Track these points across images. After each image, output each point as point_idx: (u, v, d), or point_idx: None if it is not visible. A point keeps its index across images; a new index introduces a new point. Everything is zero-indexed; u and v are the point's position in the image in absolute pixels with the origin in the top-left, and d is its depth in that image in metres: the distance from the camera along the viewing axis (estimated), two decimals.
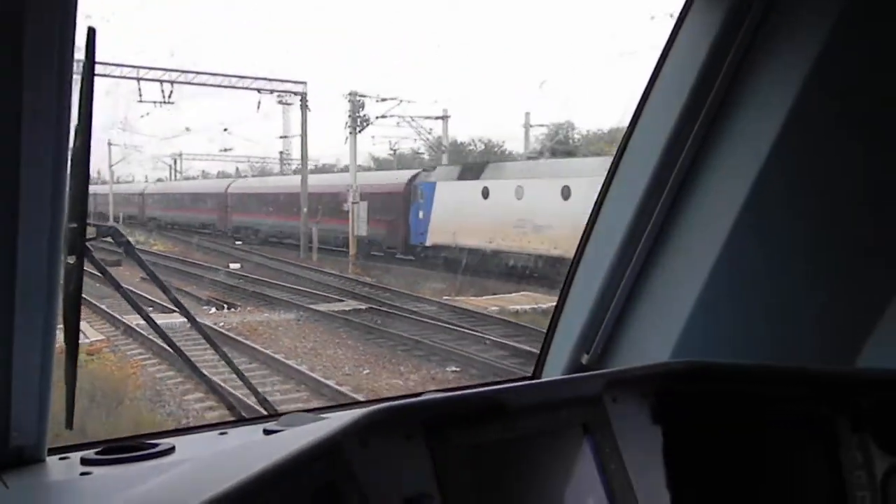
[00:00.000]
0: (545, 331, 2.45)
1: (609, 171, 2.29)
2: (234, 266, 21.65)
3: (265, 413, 2.16)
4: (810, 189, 2.12)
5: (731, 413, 1.96)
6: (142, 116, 22.09)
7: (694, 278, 2.13)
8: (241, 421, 2.05)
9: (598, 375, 1.99)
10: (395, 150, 33.96)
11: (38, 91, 1.34)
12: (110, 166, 35.97)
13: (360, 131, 24.55)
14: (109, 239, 2.00)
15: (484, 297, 17.48)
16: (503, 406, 1.74)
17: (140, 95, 20.00)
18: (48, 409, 1.67)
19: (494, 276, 19.44)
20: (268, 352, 12.17)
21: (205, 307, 15.83)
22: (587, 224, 2.34)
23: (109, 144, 31.34)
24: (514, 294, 17.73)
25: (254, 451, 1.64)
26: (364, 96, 24.03)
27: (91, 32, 1.51)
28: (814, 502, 2.02)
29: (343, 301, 16.48)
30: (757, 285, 2.19)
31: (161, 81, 20.24)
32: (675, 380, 1.95)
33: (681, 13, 2.10)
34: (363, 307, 15.79)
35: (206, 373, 2.40)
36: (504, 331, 13.60)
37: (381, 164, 34.45)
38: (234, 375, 2.37)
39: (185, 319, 2.21)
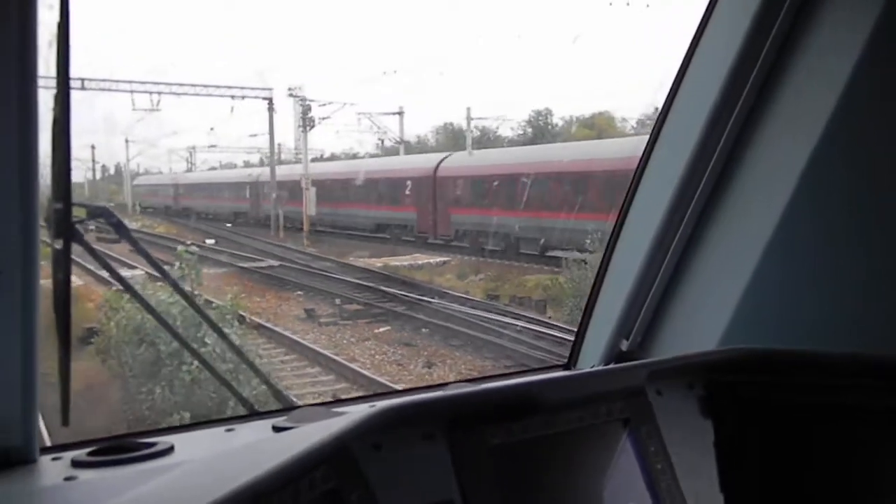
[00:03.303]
0: (580, 316, 2.29)
1: (647, 147, 2.13)
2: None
3: (278, 407, 2.01)
4: (867, 171, 1.94)
5: (793, 406, 1.79)
6: (137, 121, 27.44)
7: (744, 260, 1.95)
8: (251, 416, 1.91)
9: (641, 365, 1.83)
10: (381, 141, 38.33)
11: None
12: (127, 160, 41.25)
13: (310, 129, 30.00)
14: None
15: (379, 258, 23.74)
16: (537, 400, 1.59)
17: (133, 105, 25.22)
18: (34, 405, 1.52)
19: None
20: None
21: None
22: (623, 202, 2.17)
23: (127, 141, 37.88)
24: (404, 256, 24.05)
25: (255, 452, 1.50)
26: (312, 101, 29.32)
27: None
28: None
29: (264, 260, 21.86)
30: (812, 269, 2.00)
31: (150, 93, 25.08)
32: (728, 369, 1.78)
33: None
34: (276, 264, 21.19)
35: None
36: (359, 275, 19.40)
37: (387, 151, 38.04)
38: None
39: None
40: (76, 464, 1.60)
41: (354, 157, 40.92)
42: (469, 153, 29.99)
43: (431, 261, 23.45)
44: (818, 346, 1.82)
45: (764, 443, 1.79)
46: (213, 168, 47.09)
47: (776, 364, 1.78)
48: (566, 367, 2.26)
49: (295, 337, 13.52)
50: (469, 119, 37.66)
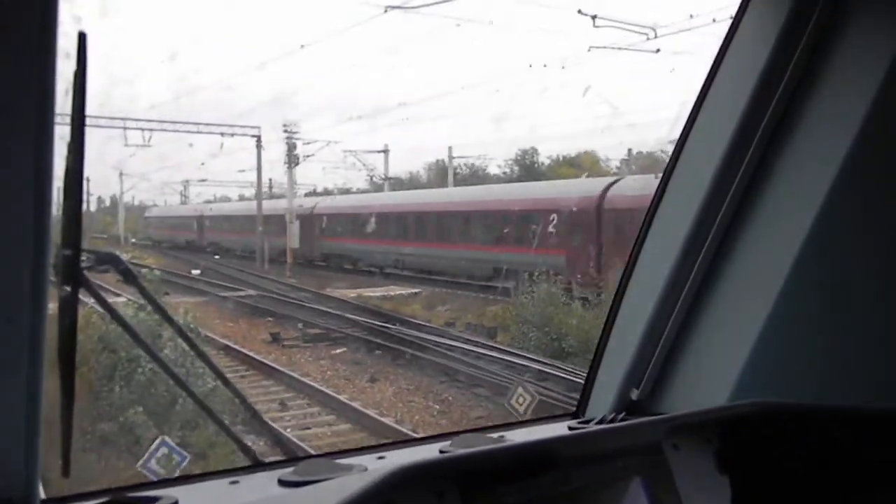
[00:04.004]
0: (589, 365, 2.24)
1: (659, 188, 2.09)
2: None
3: (281, 458, 1.94)
4: (882, 216, 1.90)
5: (814, 462, 1.76)
6: (130, 156, 28.93)
7: (758, 308, 1.91)
8: (254, 467, 1.87)
9: (658, 421, 1.80)
10: (370, 178, 41.11)
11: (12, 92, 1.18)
12: (121, 193, 43.69)
13: (295, 165, 32.78)
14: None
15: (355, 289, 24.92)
16: (552, 456, 1.56)
17: (126, 140, 27.25)
18: (38, 455, 1.46)
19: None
20: None
21: None
22: (634, 245, 2.12)
23: (121, 175, 40.48)
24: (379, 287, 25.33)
25: None
26: (298, 138, 32.15)
27: (82, 38, 1.37)
28: None
29: (243, 290, 23.74)
30: (825, 319, 1.97)
31: (142, 129, 27.36)
32: (747, 423, 1.75)
33: (737, 13, 1.91)
34: (254, 293, 22.80)
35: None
36: (331, 304, 20.73)
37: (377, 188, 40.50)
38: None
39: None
40: None
41: (348, 191, 42.92)
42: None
43: (403, 292, 24.81)
44: (833, 398, 1.80)
45: (783, 500, 1.77)
46: (209, 201, 47.79)
47: (793, 419, 1.75)
48: (574, 415, 2.21)
49: (258, 357, 15.03)
50: (451, 157, 39.68)
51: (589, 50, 23.12)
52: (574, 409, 2.26)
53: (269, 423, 2.24)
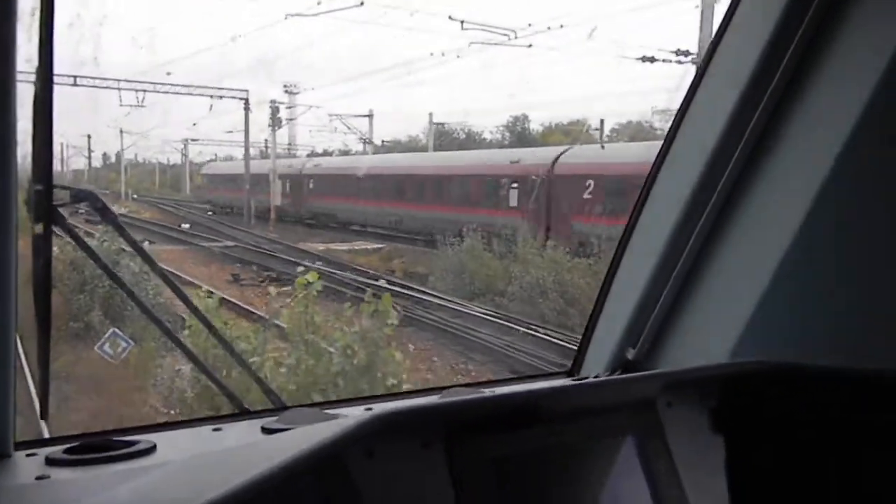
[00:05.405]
0: (586, 322, 2.21)
1: (661, 150, 2.05)
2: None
3: (270, 407, 1.90)
4: (889, 181, 1.84)
5: (811, 423, 1.74)
6: (126, 115, 31.55)
7: (759, 270, 1.86)
8: (240, 415, 1.81)
9: (652, 376, 1.78)
10: (364, 141, 43.25)
11: None
12: (122, 149, 46.24)
13: (278, 128, 35.79)
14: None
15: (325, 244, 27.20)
16: (541, 409, 1.52)
17: (120, 101, 28.96)
18: (11, 397, 1.41)
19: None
20: None
21: None
22: (636, 204, 2.08)
23: (121, 131, 42.70)
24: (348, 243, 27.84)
25: (241, 456, 1.42)
26: (281, 103, 34.70)
27: None
28: None
29: (222, 242, 26.01)
30: (829, 281, 1.91)
31: (136, 90, 29.02)
32: (745, 382, 1.72)
33: None
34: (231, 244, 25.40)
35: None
36: (297, 255, 22.20)
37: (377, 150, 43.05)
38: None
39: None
40: (51, 461, 1.47)
41: (347, 153, 45.63)
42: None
43: (368, 247, 27.84)
44: (834, 361, 1.75)
45: (778, 461, 1.75)
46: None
47: (794, 379, 1.72)
48: (569, 373, 2.20)
49: (216, 291, 18.50)
50: (431, 123, 42.63)
51: (469, 45, 26.84)
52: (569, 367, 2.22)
53: (252, 369, 2.21)
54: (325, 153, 46.08)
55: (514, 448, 1.53)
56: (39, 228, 1.44)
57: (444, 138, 47.81)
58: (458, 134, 49.94)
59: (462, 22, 24.59)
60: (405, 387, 8.20)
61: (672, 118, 2.07)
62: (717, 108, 1.89)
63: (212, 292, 16.42)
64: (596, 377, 2.00)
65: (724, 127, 1.86)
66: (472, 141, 48.58)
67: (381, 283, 14.96)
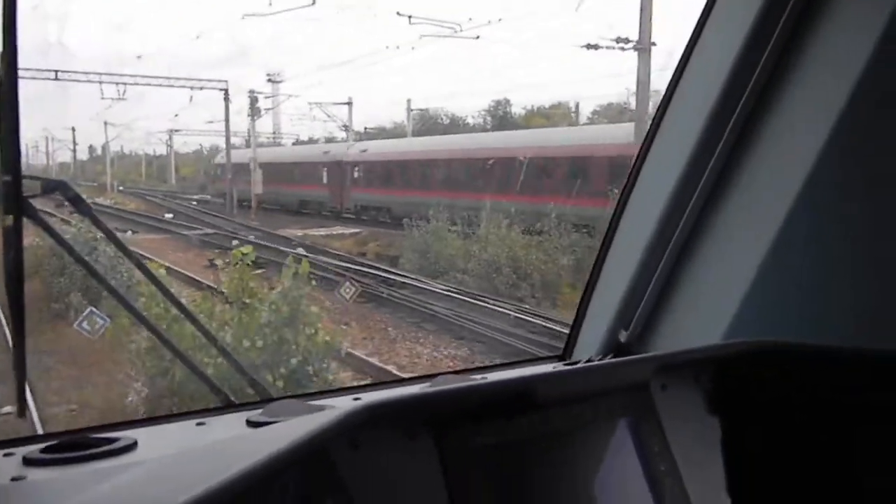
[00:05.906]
0: (577, 305, 2.18)
1: (651, 127, 2.02)
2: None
3: (255, 399, 1.86)
4: (886, 158, 1.83)
5: (807, 404, 1.73)
6: (107, 108, 32.26)
7: (753, 249, 1.84)
8: (224, 408, 1.79)
9: (646, 359, 1.75)
10: (346, 128, 44.06)
11: None
12: (107, 141, 46.88)
13: (258, 118, 36.77)
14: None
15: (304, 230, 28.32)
16: (532, 395, 1.49)
17: (102, 94, 29.75)
18: None
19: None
20: None
21: None
22: (626, 183, 2.06)
23: (105, 123, 43.68)
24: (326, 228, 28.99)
25: (224, 451, 1.37)
26: (260, 93, 35.75)
27: None
28: None
29: (202, 230, 26.90)
30: (825, 260, 1.89)
31: (117, 84, 29.86)
32: (739, 363, 1.70)
33: None
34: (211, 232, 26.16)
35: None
36: (275, 241, 23.38)
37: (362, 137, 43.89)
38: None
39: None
40: (28, 461, 1.42)
41: (332, 140, 45.46)
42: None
43: (345, 231, 29.25)
44: (832, 340, 1.74)
45: (774, 443, 1.73)
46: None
47: (790, 359, 1.71)
48: (561, 358, 2.18)
49: (189, 274, 19.54)
50: (409, 109, 43.73)
51: (420, 38, 28.65)
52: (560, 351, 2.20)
53: (236, 359, 2.15)
54: (311, 140, 47.21)
55: (507, 435, 1.50)
56: (9, 220, 1.41)
57: (428, 122, 48.77)
58: (442, 119, 50.90)
59: (410, 17, 26.73)
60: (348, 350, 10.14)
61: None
62: (705, 89, 1.87)
63: (168, 267, 17.74)
64: (588, 361, 1.97)
65: (713, 107, 1.84)
66: (455, 126, 49.65)
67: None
